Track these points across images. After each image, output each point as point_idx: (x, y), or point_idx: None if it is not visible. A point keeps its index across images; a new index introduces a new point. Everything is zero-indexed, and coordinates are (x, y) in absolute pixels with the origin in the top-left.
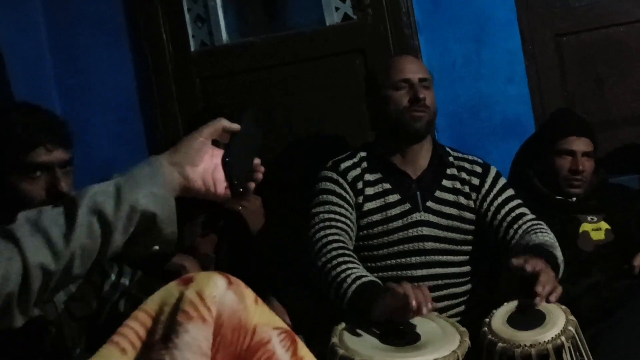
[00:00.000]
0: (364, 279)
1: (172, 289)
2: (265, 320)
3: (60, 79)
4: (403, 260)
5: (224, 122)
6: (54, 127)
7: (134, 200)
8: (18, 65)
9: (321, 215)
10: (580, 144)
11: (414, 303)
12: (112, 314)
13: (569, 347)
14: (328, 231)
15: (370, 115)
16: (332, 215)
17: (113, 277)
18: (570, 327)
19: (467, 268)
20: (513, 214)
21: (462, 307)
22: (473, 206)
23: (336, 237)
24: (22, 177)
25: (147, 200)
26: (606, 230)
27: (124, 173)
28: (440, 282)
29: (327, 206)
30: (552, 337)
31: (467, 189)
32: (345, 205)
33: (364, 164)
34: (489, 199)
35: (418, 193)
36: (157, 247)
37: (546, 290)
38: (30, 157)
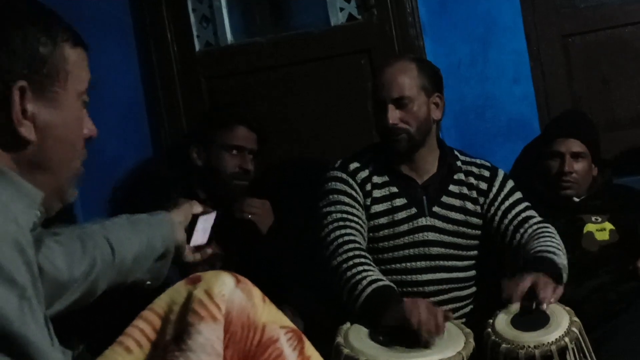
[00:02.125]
0: (379, 283)
1: (180, 288)
2: (273, 319)
3: None
4: (408, 264)
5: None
6: None
7: (169, 243)
8: None
9: (334, 214)
10: (569, 145)
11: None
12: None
13: (572, 349)
14: (343, 231)
15: None
16: (345, 215)
17: None
18: (574, 329)
19: (472, 272)
20: (519, 218)
21: (466, 310)
22: (480, 211)
23: (351, 238)
24: None
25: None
26: (610, 230)
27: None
28: (445, 286)
29: (338, 206)
30: (556, 339)
31: (474, 193)
32: (357, 206)
33: (372, 166)
34: (496, 204)
35: (424, 198)
36: (149, 282)
37: (547, 292)
38: None
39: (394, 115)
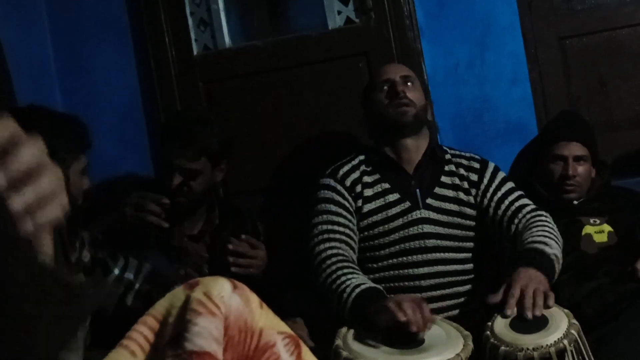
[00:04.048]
0: (362, 287)
1: (178, 293)
2: (270, 324)
3: (64, 80)
4: (405, 258)
5: None
6: (89, 135)
7: None
8: (22, 66)
9: (320, 226)
10: (571, 149)
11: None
12: (120, 308)
13: (571, 351)
14: (327, 244)
15: (365, 123)
16: (331, 227)
17: (117, 271)
18: (572, 331)
19: (470, 266)
20: (513, 208)
21: (465, 307)
22: (473, 202)
23: (335, 251)
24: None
25: None
26: (609, 232)
27: None
28: (443, 279)
29: (326, 216)
30: (555, 341)
31: (466, 184)
32: (344, 213)
33: (363, 167)
34: (488, 195)
35: (417, 191)
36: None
37: (538, 301)
38: (79, 163)
39: (404, 86)
